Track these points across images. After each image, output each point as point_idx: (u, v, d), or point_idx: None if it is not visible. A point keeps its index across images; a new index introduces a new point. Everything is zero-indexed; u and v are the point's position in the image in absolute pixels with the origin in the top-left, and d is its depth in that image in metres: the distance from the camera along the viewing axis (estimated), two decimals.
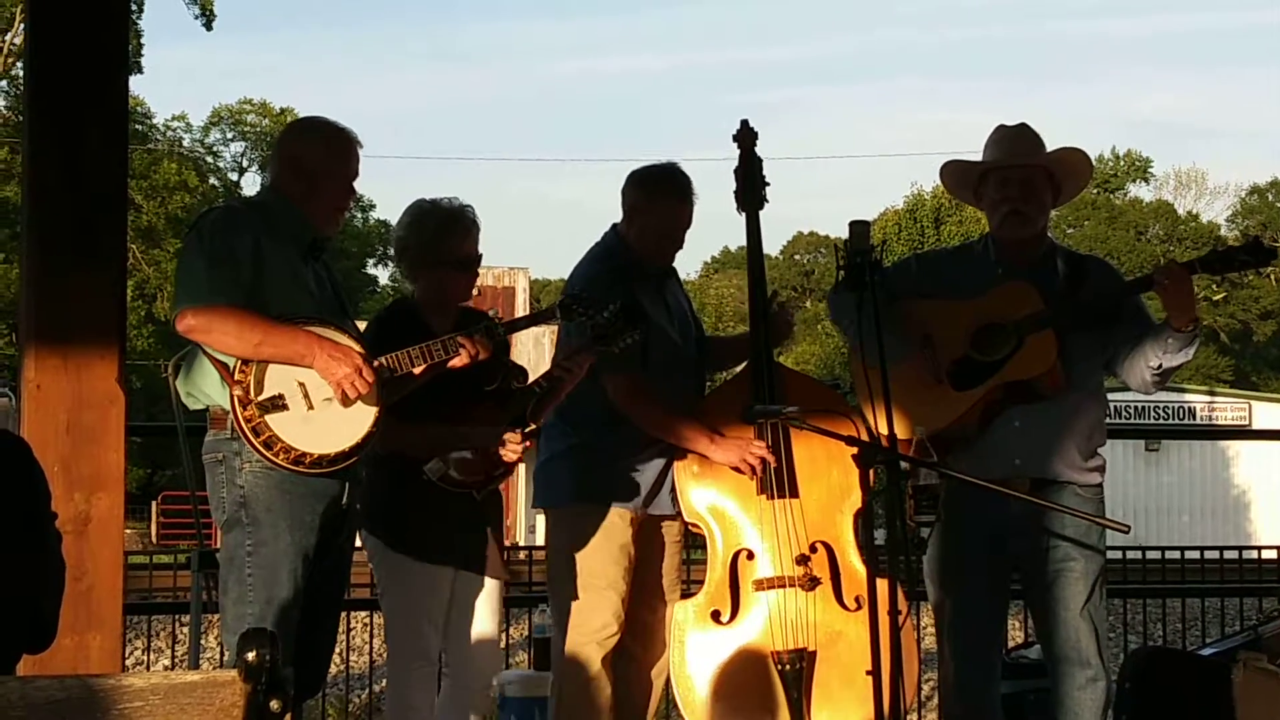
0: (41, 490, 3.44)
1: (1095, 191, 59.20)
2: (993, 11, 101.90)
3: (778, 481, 5.18)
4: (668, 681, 5.35)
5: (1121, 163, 64.18)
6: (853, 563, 5.17)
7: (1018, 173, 5.00)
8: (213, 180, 51.67)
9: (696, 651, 5.17)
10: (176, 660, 9.09)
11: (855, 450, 4.35)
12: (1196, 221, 61.10)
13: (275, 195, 4.71)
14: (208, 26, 42.62)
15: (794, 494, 5.19)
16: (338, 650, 8.93)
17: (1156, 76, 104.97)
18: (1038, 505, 4.78)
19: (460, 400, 4.94)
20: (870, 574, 4.38)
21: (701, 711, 5.17)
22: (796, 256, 64.05)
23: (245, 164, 55.28)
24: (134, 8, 37.59)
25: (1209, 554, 10.82)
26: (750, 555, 5.18)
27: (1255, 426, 32.06)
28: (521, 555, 12.15)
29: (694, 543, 5.56)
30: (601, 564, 5.22)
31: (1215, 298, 55.74)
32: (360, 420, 4.42)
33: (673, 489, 5.28)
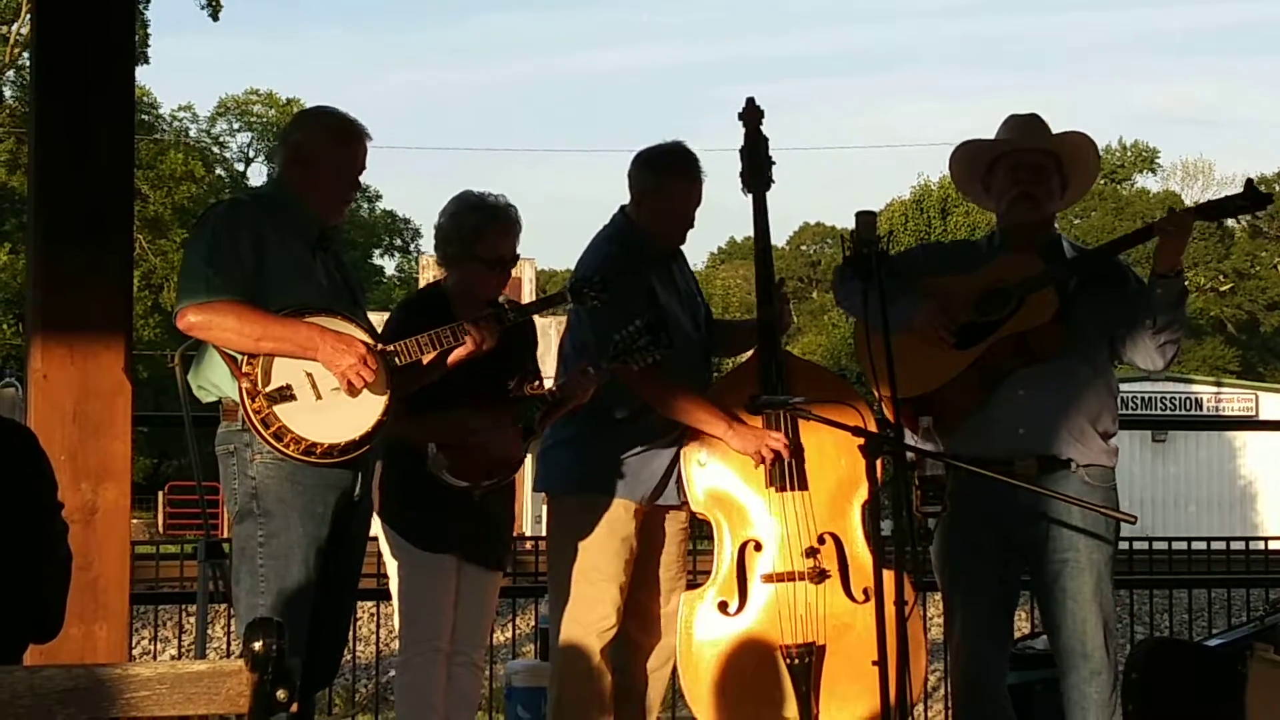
0: (47, 480, 3.45)
1: (1102, 182, 59.11)
2: (1000, 2, 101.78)
3: (787, 473, 5.16)
4: (674, 672, 5.35)
5: (1128, 153, 64.10)
6: (861, 555, 5.15)
7: (1029, 157, 5.01)
8: (219, 171, 51.72)
9: (704, 642, 5.16)
10: (183, 650, 9.13)
11: (862, 440, 4.35)
12: None
13: (281, 186, 4.71)
14: (214, 17, 42.54)
15: (803, 486, 5.18)
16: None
17: (1164, 67, 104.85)
18: (1044, 495, 4.77)
19: (472, 396, 4.94)
20: (876, 564, 4.37)
21: (707, 703, 5.16)
22: (803, 247, 64.02)
23: (252, 154, 55.32)
24: None
25: (1215, 545, 10.83)
26: (758, 547, 5.17)
27: (1262, 417, 32.05)
28: (528, 545, 12.16)
29: (700, 532, 5.56)
30: (603, 556, 5.21)
31: (1223, 289, 55.69)
32: (370, 409, 4.42)
33: (679, 479, 5.27)
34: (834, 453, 5.16)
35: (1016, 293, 4.89)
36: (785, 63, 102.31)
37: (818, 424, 4.79)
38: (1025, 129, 5.10)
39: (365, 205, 54.10)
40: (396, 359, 4.51)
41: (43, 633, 3.42)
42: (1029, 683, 5.83)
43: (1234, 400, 33.76)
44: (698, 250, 67.12)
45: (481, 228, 5.06)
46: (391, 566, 5.16)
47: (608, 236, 5.35)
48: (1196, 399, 33.44)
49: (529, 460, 5.23)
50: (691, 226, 5.40)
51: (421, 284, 31.47)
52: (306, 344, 4.34)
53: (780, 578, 5.14)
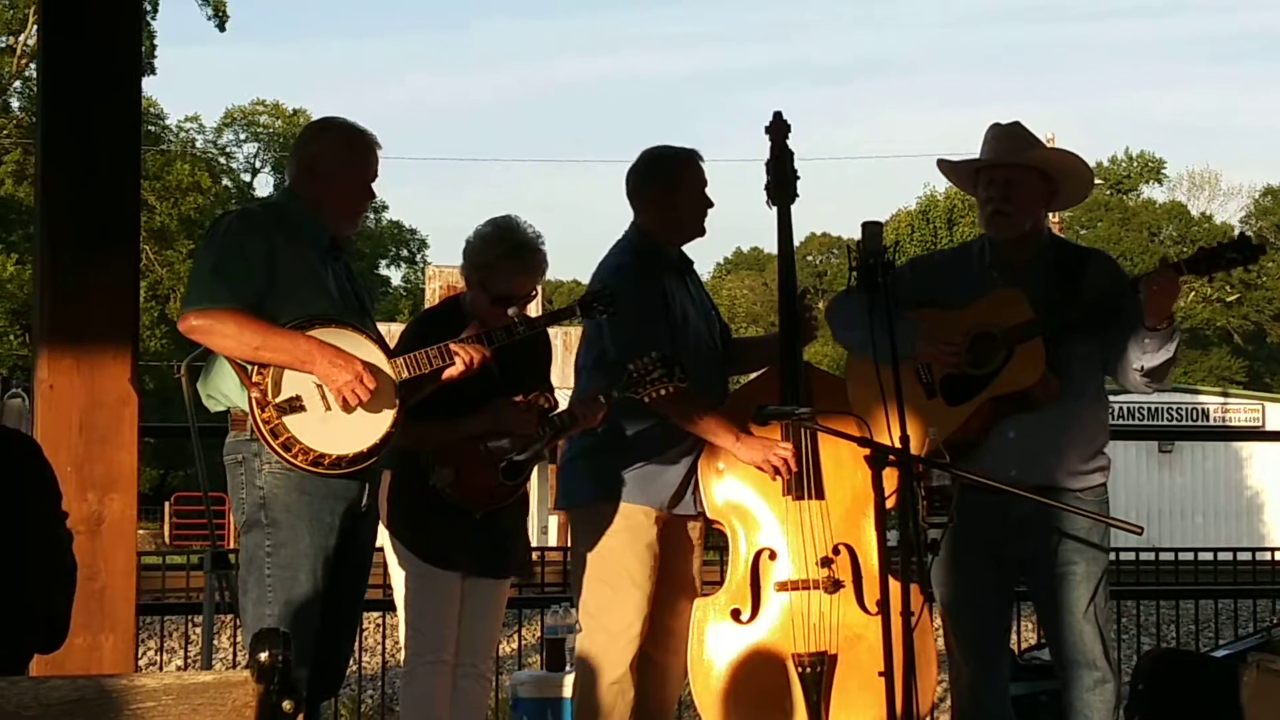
0: (51, 488, 3.45)
1: (1108, 192, 59.13)
2: (1006, 12, 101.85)
3: (803, 482, 5.16)
4: (686, 680, 5.34)
5: (1135, 163, 64.05)
6: (875, 566, 5.14)
7: (1001, 172, 4.98)
8: (226, 181, 51.81)
9: (715, 649, 5.15)
10: (189, 661, 9.12)
11: (868, 451, 4.34)
12: (1210, 223, 60.94)
13: (293, 196, 4.73)
14: (221, 28, 42.77)
15: (819, 495, 5.17)
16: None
17: (1170, 77, 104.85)
18: (1043, 506, 4.75)
19: (479, 408, 4.95)
20: (883, 575, 4.37)
21: (716, 710, 5.15)
22: (809, 257, 64.00)
23: (258, 165, 55.46)
24: (147, 9, 37.67)
25: (1222, 555, 10.81)
26: (773, 555, 5.17)
27: (1269, 427, 32.00)
28: (534, 555, 12.14)
29: (712, 541, 5.55)
30: (626, 562, 5.20)
31: (1229, 299, 55.64)
32: (378, 421, 4.43)
33: (696, 487, 5.27)
34: (851, 464, 5.14)
35: (1005, 341, 4.85)
36: (791, 72, 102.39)
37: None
38: (1000, 142, 5.05)
39: (372, 216, 54.17)
40: (404, 373, 4.52)
41: (48, 642, 3.42)
42: (1035, 694, 5.84)
43: (1241, 411, 33.70)
44: (704, 260, 67.09)
45: (500, 262, 5.05)
46: (397, 577, 5.16)
47: (620, 249, 5.36)
48: (1203, 409, 33.39)
49: (535, 472, 5.22)
50: (711, 205, 5.39)
51: (428, 295, 31.51)
52: (304, 358, 4.35)
53: (794, 586, 5.14)
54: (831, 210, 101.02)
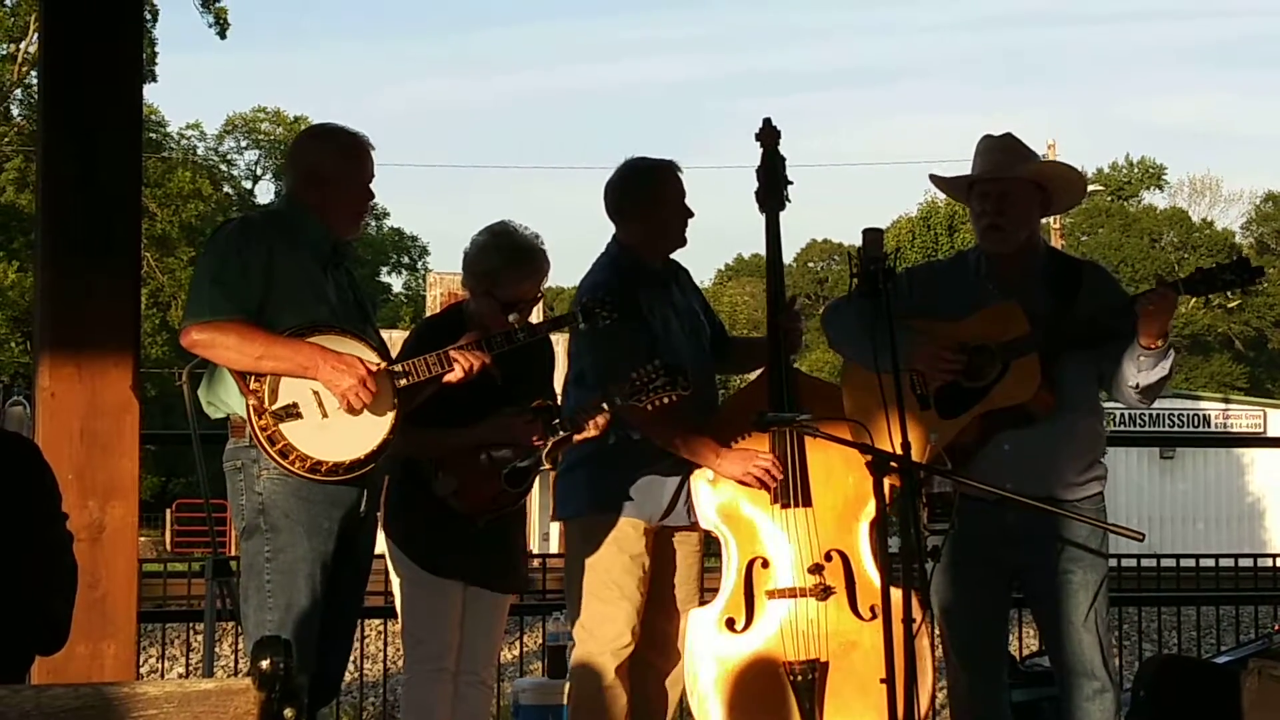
0: (51, 491, 3.45)
1: (1109, 199, 59.14)
2: (1006, 19, 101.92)
3: (791, 490, 5.16)
4: (683, 689, 5.34)
5: (1135, 170, 64.05)
6: (868, 571, 5.15)
7: (995, 186, 4.96)
8: (227, 188, 51.82)
9: (710, 659, 5.15)
10: (191, 668, 9.11)
11: (869, 458, 4.34)
12: (1211, 229, 60.97)
13: (292, 204, 4.74)
14: (222, 35, 42.69)
15: (807, 503, 5.17)
16: (353, 658, 8.94)
17: (1171, 83, 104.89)
18: (1039, 514, 4.74)
19: (485, 415, 4.95)
20: (884, 583, 4.37)
21: (714, 719, 5.15)
22: (810, 264, 64.05)
23: (259, 172, 55.45)
24: (148, 16, 37.68)
25: (1224, 562, 10.80)
26: (765, 564, 5.16)
27: (1270, 434, 31.99)
28: (535, 563, 12.14)
29: (711, 550, 5.55)
30: (615, 574, 5.21)
31: (1230, 305, 55.64)
32: (376, 427, 4.43)
33: (689, 498, 5.27)
34: (841, 469, 5.15)
35: (1001, 356, 4.84)
36: (792, 78, 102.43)
37: (824, 441, 4.78)
38: (993, 155, 5.03)
39: (373, 223, 54.18)
40: (405, 379, 4.52)
41: (49, 644, 3.43)
42: (1036, 700, 5.83)
43: (1242, 417, 33.68)
44: (705, 267, 67.12)
45: (503, 269, 5.05)
46: (398, 584, 5.16)
47: (602, 265, 5.35)
48: (1204, 416, 33.37)
49: (537, 479, 5.23)
50: (692, 215, 5.38)
51: (429, 302, 31.53)
52: (307, 364, 4.36)
53: (785, 594, 5.14)
54: (832, 216, 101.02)
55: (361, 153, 4.75)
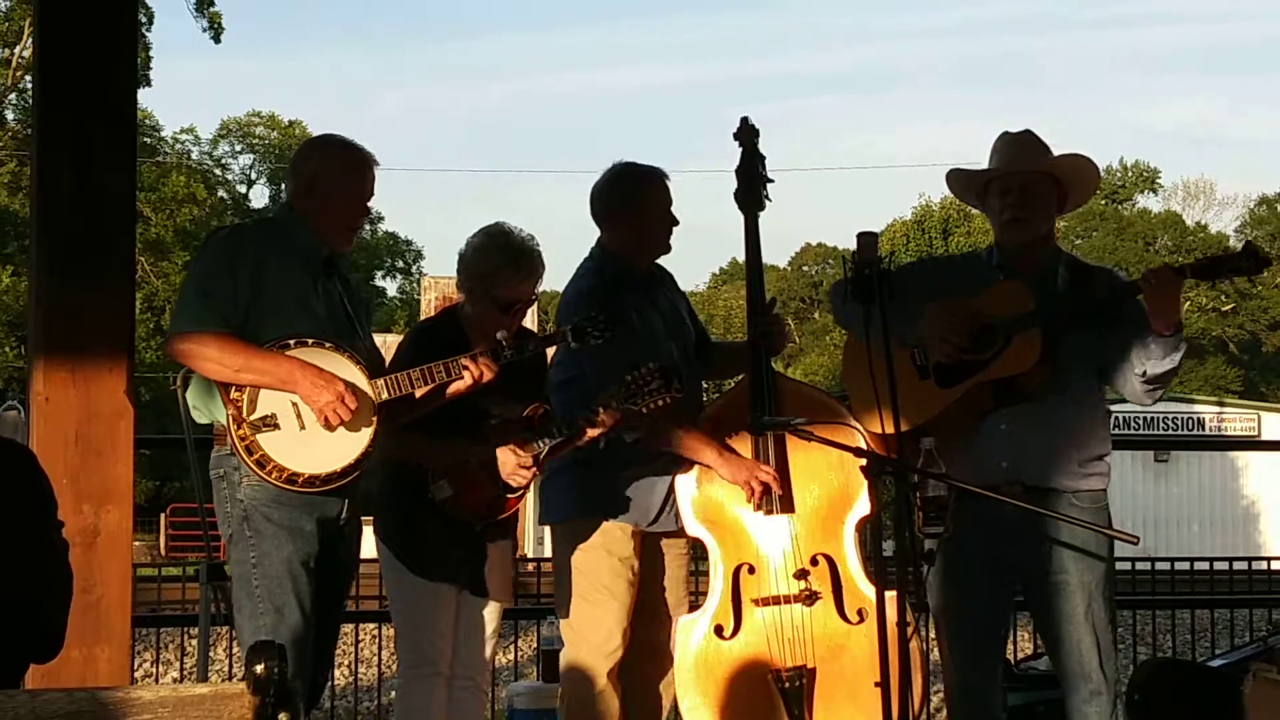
0: (47, 497, 3.45)
1: (1103, 202, 59.15)
2: (1001, 23, 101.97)
3: (773, 496, 5.14)
4: (675, 696, 5.33)
5: (1129, 173, 64.13)
6: (854, 575, 5.13)
7: (1018, 179, 4.98)
8: (221, 193, 51.84)
9: (700, 666, 5.14)
10: (185, 673, 9.11)
11: (864, 462, 4.33)
12: (1205, 232, 61.01)
13: (289, 212, 4.75)
14: (216, 39, 42.69)
15: (789, 509, 5.16)
16: (346, 661, 8.94)
17: (1165, 87, 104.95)
18: (1039, 515, 4.74)
19: (477, 423, 4.95)
20: (879, 586, 4.35)
21: None
22: (805, 268, 64.05)
23: (254, 176, 55.52)
24: (143, 21, 37.67)
25: (1218, 565, 10.81)
26: (751, 570, 5.15)
27: (1264, 437, 31.99)
28: (530, 567, 12.15)
29: (700, 554, 5.55)
30: (604, 577, 5.20)
31: (1224, 308, 55.68)
32: (354, 442, 4.45)
33: (675, 505, 5.26)
34: (824, 472, 5.14)
35: (1004, 331, 4.85)
36: (787, 83, 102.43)
37: (805, 445, 4.78)
38: (1015, 149, 5.06)
39: (367, 227, 54.11)
40: (384, 392, 4.52)
41: (44, 652, 3.42)
42: (1031, 704, 5.84)
43: (1236, 420, 33.71)
44: (700, 271, 67.26)
45: (499, 270, 5.04)
46: (391, 589, 5.15)
47: (586, 272, 5.34)
48: (1199, 419, 33.39)
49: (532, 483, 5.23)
50: (677, 223, 5.36)
51: (423, 306, 31.50)
52: (286, 378, 4.38)
53: (769, 601, 5.12)
54: (827, 220, 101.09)
55: (362, 167, 4.75)
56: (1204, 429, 32.93)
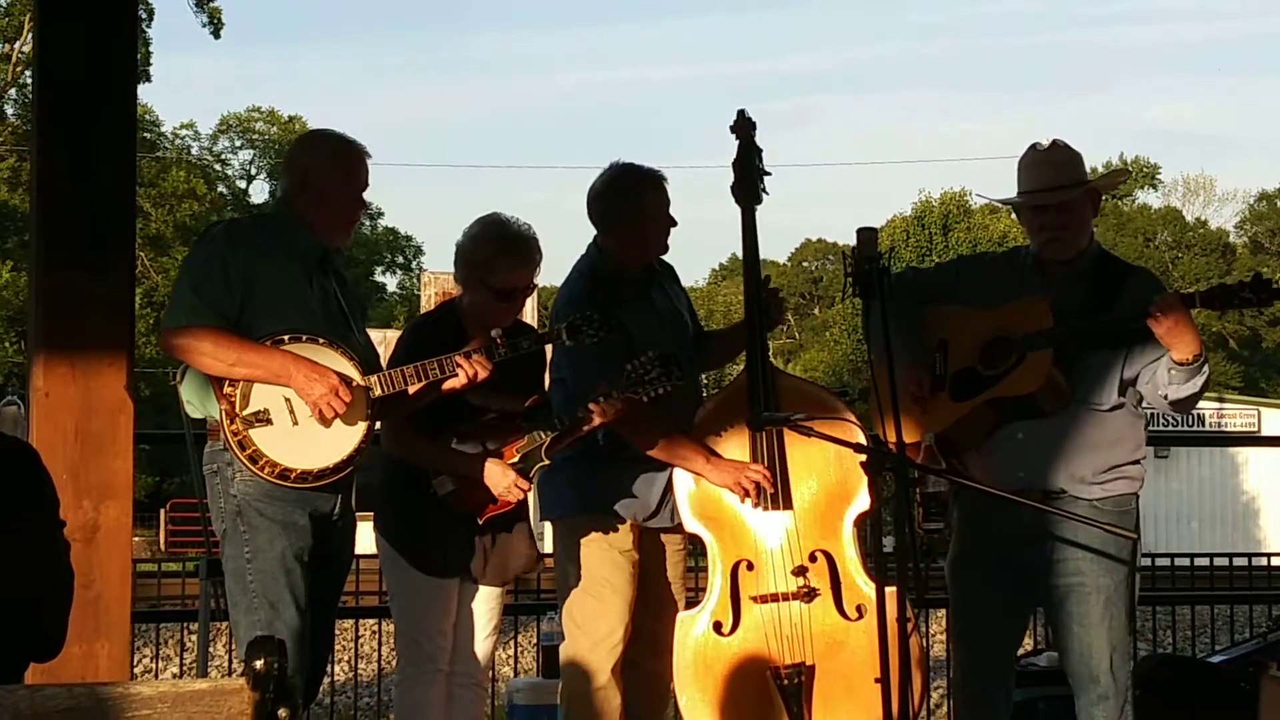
0: (49, 497, 3.45)
1: (1104, 199, 59.13)
2: (1001, 21, 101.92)
3: (771, 493, 5.13)
4: (673, 691, 5.33)
5: (1129, 169, 64.10)
6: (853, 571, 5.12)
7: (1054, 198, 4.91)
8: (221, 188, 51.81)
9: (700, 663, 5.13)
10: (185, 668, 9.12)
11: (864, 457, 4.33)
12: (1205, 228, 61.08)
13: (285, 208, 4.76)
14: (216, 35, 42.74)
15: (787, 505, 5.15)
16: (346, 657, 8.95)
17: (1165, 84, 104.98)
18: (1053, 517, 4.73)
19: (475, 418, 4.94)
20: (879, 582, 4.35)
21: None
22: (805, 263, 64.08)
23: (254, 172, 55.46)
24: (143, 16, 37.68)
25: (1218, 561, 10.80)
26: (750, 566, 5.14)
27: (1264, 433, 31.98)
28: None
29: (698, 550, 5.54)
30: (605, 570, 5.20)
31: None
32: (347, 437, 4.45)
33: (673, 501, 5.26)
34: (822, 468, 5.13)
35: (1019, 348, 4.83)
36: (787, 79, 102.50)
37: (804, 440, 4.77)
38: (1048, 170, 4.95)
39: (367, 223, 54.14)
40: (377, 389, 4.52)
41: (45, 651, 3.42)
42: (1031, 700, 5.83)
43: (1236, 416, 33.71)
44: (700, 266, 67.24)
45: (497, 258, 5.02)
46: (391, 584, 5.15)
47: (580, 273, 5.31)
48: (1199, 415, 33.31)
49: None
50: (675, 224, 5.33)
51: (423, 301, 31.47)
52: (280, 372, 4.38)
53: (767, 598, 5.11)
54: (827, 216, 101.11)
55: (354, 161, 4.74)
56: (1204, 425, 32.90)
